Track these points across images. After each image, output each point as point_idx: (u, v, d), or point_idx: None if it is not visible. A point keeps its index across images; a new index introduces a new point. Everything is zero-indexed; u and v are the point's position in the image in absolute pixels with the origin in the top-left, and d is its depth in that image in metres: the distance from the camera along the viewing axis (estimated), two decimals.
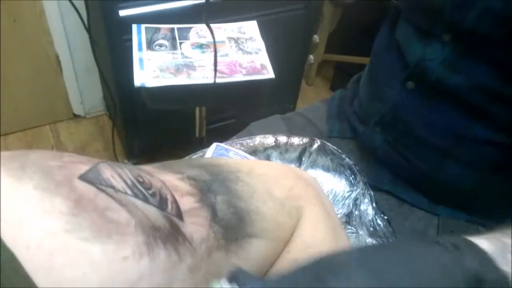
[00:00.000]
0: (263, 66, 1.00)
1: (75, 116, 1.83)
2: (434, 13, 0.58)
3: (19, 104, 1.69)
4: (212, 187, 0.32)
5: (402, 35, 0.65)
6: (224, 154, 0.50)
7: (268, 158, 0.54)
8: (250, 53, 1.05)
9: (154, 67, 0.95)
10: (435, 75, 0.58)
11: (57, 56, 1.63)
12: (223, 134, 1.52)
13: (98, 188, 0.24)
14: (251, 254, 0.31)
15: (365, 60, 1.75)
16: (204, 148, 1.24)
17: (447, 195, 0.65)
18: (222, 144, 0.53)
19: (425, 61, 0.59)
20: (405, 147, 0.65)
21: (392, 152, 0.67)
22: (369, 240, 0.49)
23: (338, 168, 0.53)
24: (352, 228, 0.52)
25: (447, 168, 0.62)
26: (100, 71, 1.31)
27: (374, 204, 0.52)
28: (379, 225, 0.52)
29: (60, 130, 1.80)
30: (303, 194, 0.38)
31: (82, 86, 1.75)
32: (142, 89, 0.90)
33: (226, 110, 1.62)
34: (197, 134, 1.21)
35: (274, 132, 0.60)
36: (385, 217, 0.53)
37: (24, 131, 1.77)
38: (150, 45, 1.01)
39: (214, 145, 0.52)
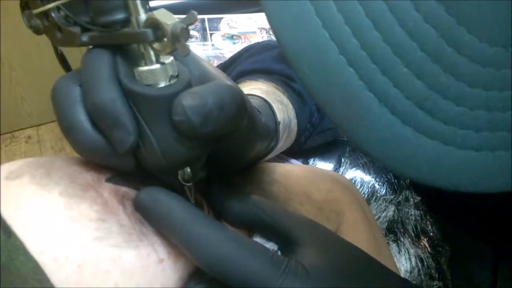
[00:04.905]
0: None
1: None
2: None
3: None
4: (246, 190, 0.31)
5: None
6: None
7: (306, 158, 0.50)
8: None
9: None
10: None
11: None
12: None
13: (126, 188, 0.24)
14: None
15: None
16: None
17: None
18: None
19: None
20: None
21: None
22: (412, 251, 0.45)
23: (379, 170, 0.49)
24: (393, 235, 0.48)
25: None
26: None
27: (418, 211, 0.48)
28: (424, 232, 0.48)
29: None
30: (341, 198, 0.36)
31: None
32: None
33: None
34: None
35: None
36: (432, 221, 0.49)
37: (55, 122, 1.79)
38: None
39: None
